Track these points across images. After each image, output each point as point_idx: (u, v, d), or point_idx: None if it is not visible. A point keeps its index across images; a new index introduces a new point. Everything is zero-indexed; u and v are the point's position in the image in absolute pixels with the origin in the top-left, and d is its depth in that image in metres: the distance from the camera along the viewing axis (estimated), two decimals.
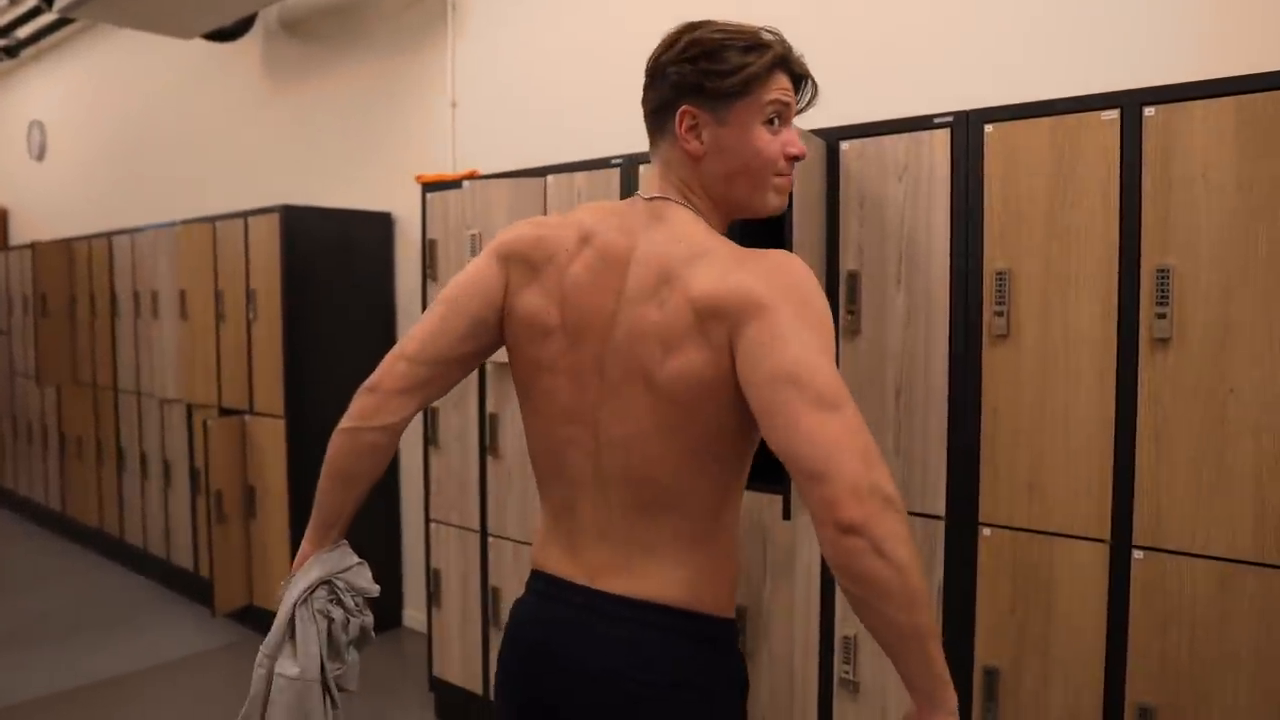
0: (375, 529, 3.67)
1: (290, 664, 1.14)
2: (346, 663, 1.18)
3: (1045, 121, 1.71)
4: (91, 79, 5.94)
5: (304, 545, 1.22)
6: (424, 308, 2.95)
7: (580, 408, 1.10)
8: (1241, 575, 1.54)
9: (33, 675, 3.30)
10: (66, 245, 5.01)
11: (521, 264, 1.14)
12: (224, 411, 3.74)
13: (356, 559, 1.22)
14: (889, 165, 1.89)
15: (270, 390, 3.50)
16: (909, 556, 0.86)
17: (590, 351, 1.09)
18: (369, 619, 1.21)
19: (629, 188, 2.34)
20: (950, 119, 1.81)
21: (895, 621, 0.87)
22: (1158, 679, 1.62)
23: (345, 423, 1.17)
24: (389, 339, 3.76)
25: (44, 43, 6.20)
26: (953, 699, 0.91)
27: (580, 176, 2.46)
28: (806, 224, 1.85)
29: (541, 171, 2.56)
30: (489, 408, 2.70)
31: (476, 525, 2.77)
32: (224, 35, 4.34)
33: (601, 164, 2.42)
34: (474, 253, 2.63)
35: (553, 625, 1.13)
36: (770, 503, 2.01)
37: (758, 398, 0.95)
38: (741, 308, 0.97)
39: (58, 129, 6.45)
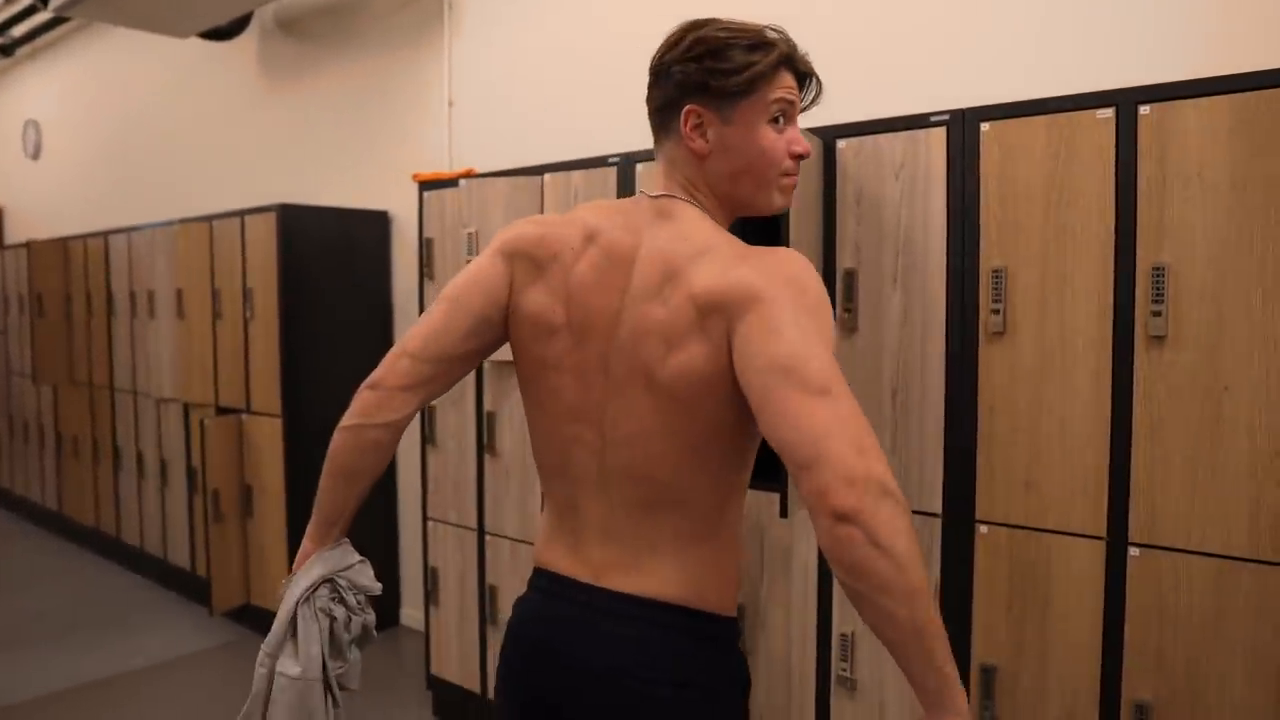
0: (373, 528, 3.67)
1: (292, 663, 1.14)
2: (349, 661, 1.18)
3: (1041, 120, 1.71)
4: (87, 78, 5.93)
5: (305, 543, 1.21)
6: (421, 306, 2.96)
7: (585, 406, 1.10)
8: (1236, 572, 1.55)
9: (29, 675, 3.29)
10: (62, 244, 5.00)
11: (526, 262, 1.14)
12: (221, 410, 3.74)
13: (358, 557, 1.22)
14: (886, 164, 1.89)
15: (267, 389, 3.50)
16: (908, 549, 0.82)
17: (595, 350, 1.09)
18: (371, 617, 1.21)
19: (626, 186, 2.34)
20: (946, 117, 1.82)
21: (894, 616, 0.83)
22: (1154, 675, 1.62)
23: (347, 420, 1.16)
24: (386, 338, 3.76)
25: (39, 41, 6.19)
26: (960, 700, 0.86)
27: (577, 175, 2.46)
28: (804, 222, 1.85)
29: (538, 170, 2.56)
30: (486, 406, 2.70)
31: (474, 524, 2.77)
32: (220, 34, 4.33)
33: (598, 162, 2.42)
34: (471, 251, 2.63)
35: (556, 623, 1.13)
36: (768, 501, 2.01)
37: (751, 387, 0.94)
38: (739, 300, 0.97)
39: (53, 128, 6.43)
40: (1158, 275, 1.60)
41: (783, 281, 0.98)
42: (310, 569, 1.18)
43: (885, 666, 1.92)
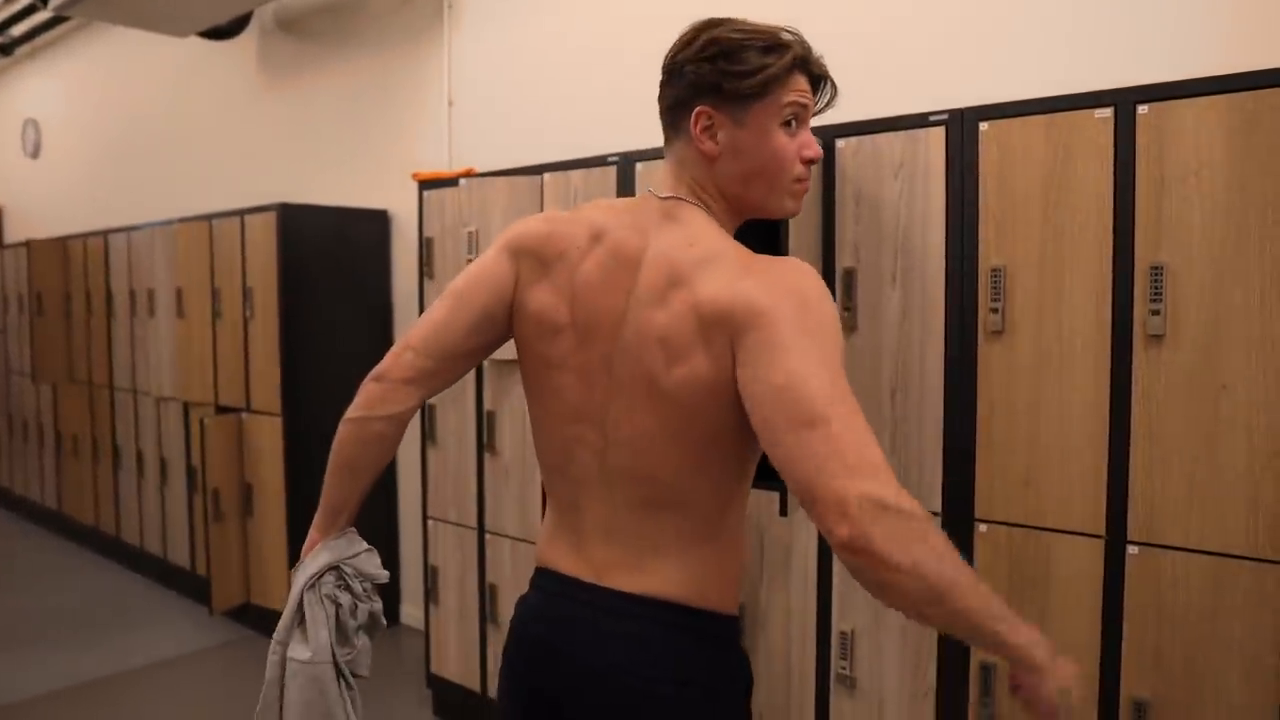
0: (373, 526, 3.66)
1: (302, 648, 1.15)
2: (356, 648, 1.18)
3: (1040, 119, 1.72)
4: (87, 77, 5.93)
5: (312, 533, 1.22)
6: (421, 306, 2.96)
7: (589, 406, 1.10)
8: (1234, 570, 1.55)
9: (29, 674, 3.29)
10: (62, 243, 5.01)
11: (532, 259, 1.14)
12: (220, 409, 3.74)
13: (365, 545, 1.22)
14: (885, 163, 1.89)
15: (267, 388, 3.50)
16: (920, 556, 0.83)
17: (599, 350, 1.09)
18: (378, 605, 1.21)
19: (626, 186, 2.35)
20: (945, 117, 1.82)
21: (932, 617, 0.86)
22: (1152, 673, 1.63)
23: (352, 412, 1.17)
24: (386, 336, 3.77)
25: (38, 40, 6.18)
26: (1038, 654, 0.88)
27: (577, 174, 2.46)
28: (803, 222, 1.86)
29: (538, 169, 2.56)
30: (486, 405, 2.71)
31: (474, 522, 2.77)
32: (219, 33, 4.33)
33: (598, 162, 2.42)
34: (471, 251, 2.63)
35: (558, 622, 1.14)
36: (768, 500, 2.02)
37: (752, 414, 0.95)
38: (743, 317, 0.97)
39: (52, 127, 6.43)
40: (1156, 275, 1.60)
41: (786, 293, 0.97)
42: (317, 556, 1.19)
43: (885, 664, 1.92)
